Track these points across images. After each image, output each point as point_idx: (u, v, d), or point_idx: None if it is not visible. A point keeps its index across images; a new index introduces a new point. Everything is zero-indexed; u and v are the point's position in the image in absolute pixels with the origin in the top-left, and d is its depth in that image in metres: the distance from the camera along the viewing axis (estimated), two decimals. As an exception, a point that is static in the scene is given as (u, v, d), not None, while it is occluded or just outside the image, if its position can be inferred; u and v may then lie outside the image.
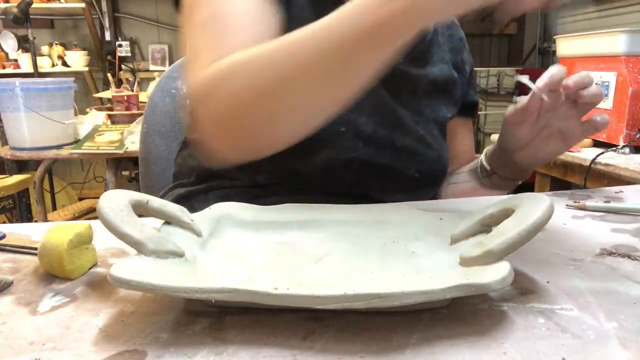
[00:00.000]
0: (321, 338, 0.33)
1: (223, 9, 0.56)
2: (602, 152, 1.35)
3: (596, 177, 1.36)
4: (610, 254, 0.46)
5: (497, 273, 0.33)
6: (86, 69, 3.36)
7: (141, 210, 0.42)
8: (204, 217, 0.47)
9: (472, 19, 3.68)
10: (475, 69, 0.85)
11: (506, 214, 0.40)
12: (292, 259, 0.44)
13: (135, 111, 2.09)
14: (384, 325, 0.34)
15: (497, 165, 0.71)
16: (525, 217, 0.37)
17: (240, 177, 0.67)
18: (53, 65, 3.32)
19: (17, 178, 2.35)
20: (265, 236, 0.48)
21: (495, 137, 1.90)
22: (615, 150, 1.42)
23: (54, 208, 2.76)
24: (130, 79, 3.32)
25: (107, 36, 3.53)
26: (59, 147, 1.87)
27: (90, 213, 2.69)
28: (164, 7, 3.55)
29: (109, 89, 2.54)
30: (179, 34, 0.61)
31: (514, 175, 0.70)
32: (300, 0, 0.63)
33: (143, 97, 2.28)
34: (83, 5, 3.19)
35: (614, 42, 1.45)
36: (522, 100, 0.61)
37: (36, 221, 2.08)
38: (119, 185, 2.01)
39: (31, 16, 2.64)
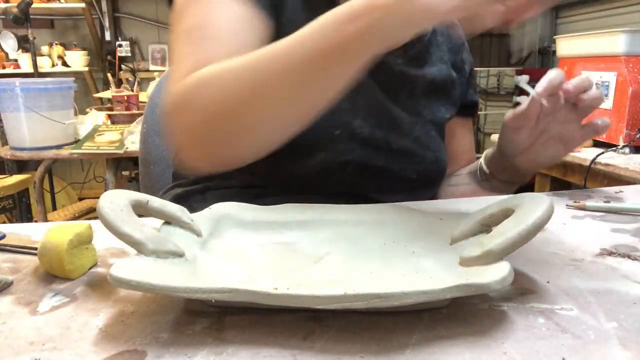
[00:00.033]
0: (321, 338, 0.33)
1: (206, 19, 0.57)
2: (602, 152, 1.35)
3: (596, 177, 1.37)
4: (610, 254, 0.46)
5: (497, 273, 0.33)
6: (86, 69, 3.36)
7: (141, 210, 0.42)
8: (204, 217, 0.47)
9: (472, 19, 3.67)
10: (475, 69, 0.85)
11: (506, 214, 0.40)
12: (292, 259, 0.44)
13: (135, 111, 2.10)
14: (384, 325, 0.34)
15: (496, 169, 0.70)
16: (525, 217, 0.37)
17: (237, 177, 0.67)
18: (53, 65, 3.32)
19: (17, 178, 2.35)
20: (265, 236, 0.48)
21: (495, 137, 1.90)
22: (615, 150, 1.42)
23: (54, 208, 2.76)
24: (130, 79, 3.32)
25: (107, 36, 3.53)
26: (59, 147, 1.87)
27: (90, 213, 2.69)
28: (164, 7, 3.55)
29: (109, 89, 2.54)
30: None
31: (513, 179, 0.70)
32: (294, 5, 0.63)
33: (143, 97, 2.28)
34: (83, 5, 3.19)
35: (614, 42, 1.45)
36: (522, 102, 0.61)
37: (36, 221, 2.08)
38: (119, 185, 2.01)
39: (31, 16, 2.64)
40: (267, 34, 0.58)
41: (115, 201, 0.39)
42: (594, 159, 1.28)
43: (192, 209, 0.48)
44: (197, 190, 0.69)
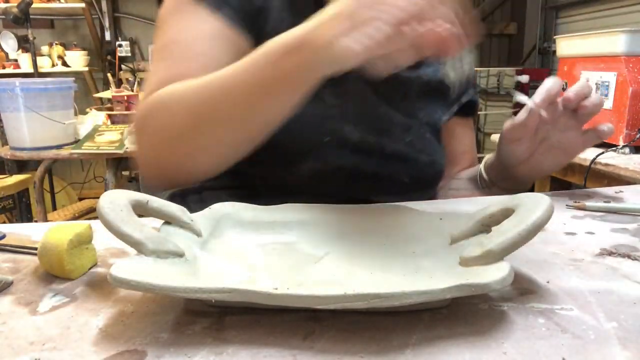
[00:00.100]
0: (321, 338, 0.33)
1: (177, 36, 0.60)
2: (602, 152, 1.35)
3: (596, 177, 1.36)
4: (610, 254, 0.46)
5: (497, 273, 0.33)
6: (86, 69, 3.36)
7: (141, 210, 0.42)
8: (204, 217, 0.47)
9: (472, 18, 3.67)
10: (475, 68, 0.84)
11: (506, 214, 0.40)
12: (292, 259, 0.44)
13: (135, 111, 2.09)
14: (384, 325, 0.34)
15: (496, 177, 0.69)
16: (525, 217, 0.37)
17: (232, 178, 0.67)
18: (53, 65, 3.32)
19: (17, 178, 2.35)
20: (265, 236, 0.48)
21: (495, 137, 1.90)
22: (615, 150, 1.42)
23: (54, 208, 2.76)
24: (130, 79, 3.32)
25: (107, 36, 3.53)
26: (59, 147, 1.87)
27: (90, 213, 2.69)
28: (164, 7, 3.55)
29: (109, 89, 2.54)
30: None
31: (514, 187, 0.69)
32: (279, 9, 0.62)
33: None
34: (83, 5, 3.19)
35: (614, 42, 1.45)
36: (520, 100, 0.61)
37: (36, 221, 2.08)
38: (119, 185, 2.01)
39: (31, 16, 2.64)
40: (243, 48, 0.58)
41: (115, 201, 0.39)
42: (594, 159, 1.28)
43: (189, 208, 0.48)
44: (194, 190, 0.69)
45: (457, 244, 0.43)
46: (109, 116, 2.11)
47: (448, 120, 0.77)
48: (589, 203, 0.61)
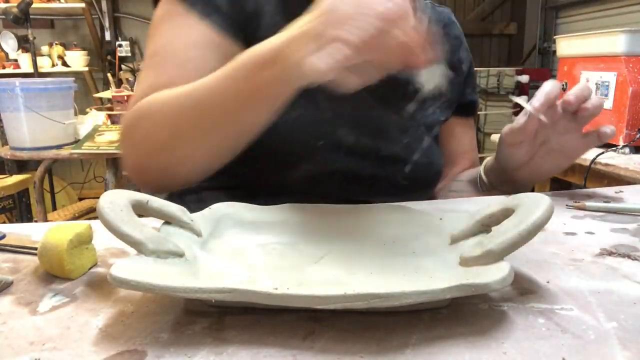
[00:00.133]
0: (321, 338, 0.33)
1: (166, 44, 0.62)
2: (602, 152, 1.34)
3: (596, 177, 1.36)
4: (610, 254, 0.46)
5: (497, 273, 0.33)
6: (86, 69, 3.36)
7: (141, 210, 0.42)
8: (204, 217, 0.47)
9: (472, 18, 3.68)
10: (475, 68, 0.84)
11: (506, 214, 0.40)
12: (292, 259, 0.44)
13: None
14: (384, 325, 0.34)
15: (496, 181, 0.69)
16: (525, 217, 0.37)
17: (230, 178, 0.66)
18: (53, 65, 3.32)
19: (17, 178, 2.35)
20: (265, 236, 0.48)
21: (495, 137, 1.90)
22: (615, 150, 1.42)
23: (54, 208, 2.76)
24: (130, 79, 3.32)
25: (107, 36, 3.53)
26: (59, 147, 1.87)
27: (90, 213, 2.69)
28: (164, 7, 3.55)
29: (109, 89, 2.54)
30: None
31: (514, 190, 0.69)
32: (272, 10, 0.62)
33: (143, 97, 2.27)
34: (83, 5, 3.19)
35: (614, 42, 1.45)
36: (519, 101, 0.61)
37: (36, 221, 2.08)
38: (119, 185, 2.01)
39: (31, 16, 2.64)
40: (232, 54, 0.59)
41: (115, 201, 0.39)
42: (594, 159, 1.28)
43: (188, 208, 0.48)
44: (192, 190, 0.69)
45: (457, 244, 0.43)
46: (109, 116, 2.11)
47: (447, 121, 0.77)
48: (589, 203, 0.61)
